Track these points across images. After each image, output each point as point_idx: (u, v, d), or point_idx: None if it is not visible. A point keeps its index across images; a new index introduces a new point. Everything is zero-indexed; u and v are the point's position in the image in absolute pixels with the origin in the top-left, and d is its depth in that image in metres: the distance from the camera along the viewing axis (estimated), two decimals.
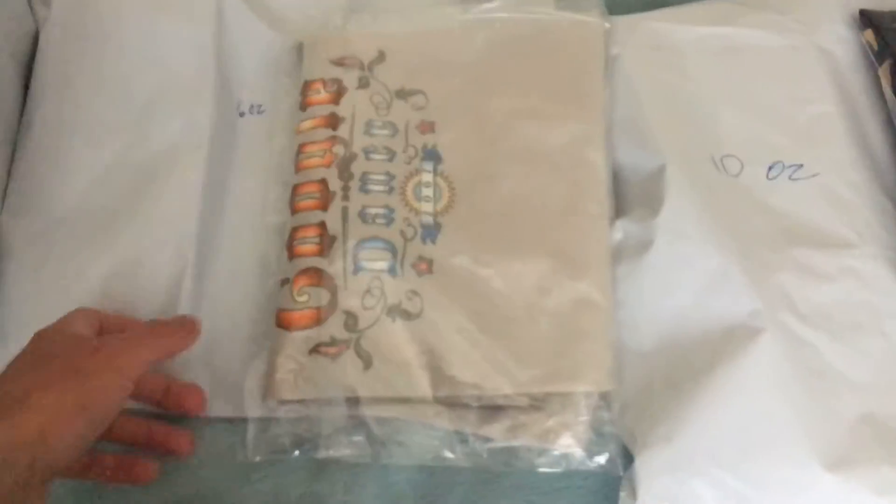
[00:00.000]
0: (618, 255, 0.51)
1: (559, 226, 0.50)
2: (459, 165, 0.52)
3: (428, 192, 0.52)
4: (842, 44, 0.56)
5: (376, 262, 0.49)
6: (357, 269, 0.49)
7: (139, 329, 0.47)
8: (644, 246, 0.50)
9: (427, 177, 0.52)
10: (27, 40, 0.57)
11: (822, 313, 0.48)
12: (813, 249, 0.50)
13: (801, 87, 0.55)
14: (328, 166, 0.52)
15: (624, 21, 0.57)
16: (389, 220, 0.51)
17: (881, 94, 0.54)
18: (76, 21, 0.57)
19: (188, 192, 0.52)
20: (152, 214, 0.52)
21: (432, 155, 0.53)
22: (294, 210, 0.51)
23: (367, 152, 0.52)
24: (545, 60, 0.55)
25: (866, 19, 0.56)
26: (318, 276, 0.49)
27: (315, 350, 0.48)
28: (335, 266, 0.49)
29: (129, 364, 0.42)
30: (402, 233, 0.50)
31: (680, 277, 0.49)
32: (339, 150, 0.52)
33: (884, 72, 0.54)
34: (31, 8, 0.57)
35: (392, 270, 0.49)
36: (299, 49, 0.57)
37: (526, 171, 0.52)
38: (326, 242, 0.50)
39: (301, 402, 0.47)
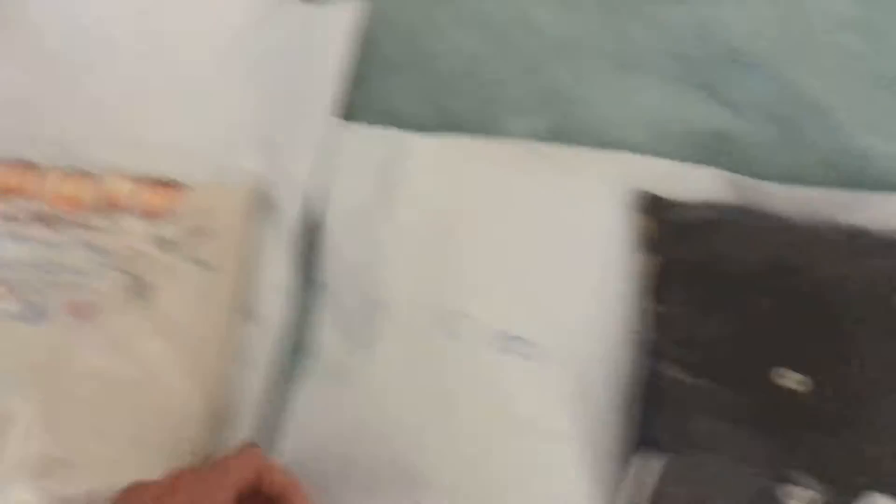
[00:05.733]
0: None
1: None
2: None
3: None
4: (617, 222, 0.55)
5: None
6: None
7: None
8: (341, 374, 0.49)
9: None
10: None
11: None
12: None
13: (560, 261, 0.53)
14: None
15: (424, 142, 0.55)
16: None
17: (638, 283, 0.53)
18: None
19: None
20: None
21: None
22: None
23: None
24: None
25: (646, 204, 0.55)
26: None
27: None
28: None
29: None
30: None
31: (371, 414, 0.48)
32: None
33: (649, 263, 0.53)
34: None
35: None
36: None
37: None
38: None
39: None
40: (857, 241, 0.54)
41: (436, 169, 0.54)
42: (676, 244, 0.53)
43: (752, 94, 0.61)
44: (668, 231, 0.54)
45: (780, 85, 0.61)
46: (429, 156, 0.54)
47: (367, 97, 0.58)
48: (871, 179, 0.59)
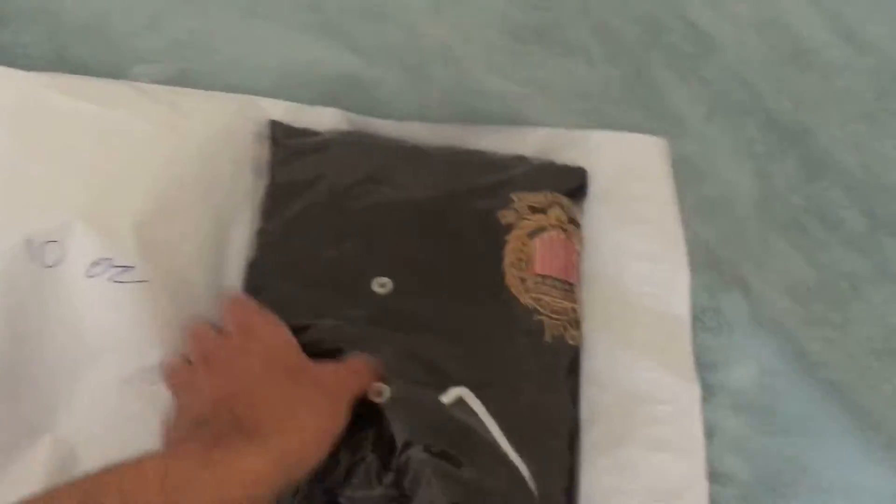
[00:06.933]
0: None
1: None
2: None
3: None
4: (230, 152, 0.56)
5: None
6: None
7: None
8: None
9: None
10: None
11: None
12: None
13: (162, 190, 0.52)
14: None
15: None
16: None
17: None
18: None
19: None
20: None
21: None
22: None
23: None
24: None
25: (268, 131, 0.57)
26: None
27: None
28: None
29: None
30: None
31: None
32: None
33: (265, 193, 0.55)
34: None
35: None
36: None
37: None
38: None
39: None
40: (458, 161, 0.57)
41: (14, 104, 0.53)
42: (285, 166, 0.55)
43: (384, 41, 0.64)
44: (279, 155, 0.56)
45: (410, 34, 0.65)
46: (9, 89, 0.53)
47: None
48: (491, 115, 0.63)
